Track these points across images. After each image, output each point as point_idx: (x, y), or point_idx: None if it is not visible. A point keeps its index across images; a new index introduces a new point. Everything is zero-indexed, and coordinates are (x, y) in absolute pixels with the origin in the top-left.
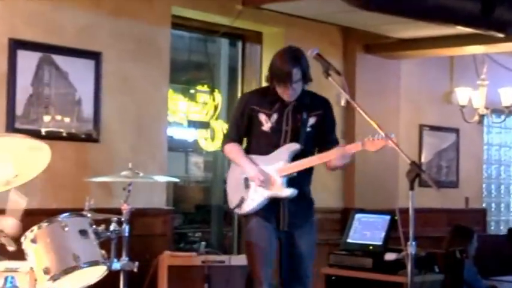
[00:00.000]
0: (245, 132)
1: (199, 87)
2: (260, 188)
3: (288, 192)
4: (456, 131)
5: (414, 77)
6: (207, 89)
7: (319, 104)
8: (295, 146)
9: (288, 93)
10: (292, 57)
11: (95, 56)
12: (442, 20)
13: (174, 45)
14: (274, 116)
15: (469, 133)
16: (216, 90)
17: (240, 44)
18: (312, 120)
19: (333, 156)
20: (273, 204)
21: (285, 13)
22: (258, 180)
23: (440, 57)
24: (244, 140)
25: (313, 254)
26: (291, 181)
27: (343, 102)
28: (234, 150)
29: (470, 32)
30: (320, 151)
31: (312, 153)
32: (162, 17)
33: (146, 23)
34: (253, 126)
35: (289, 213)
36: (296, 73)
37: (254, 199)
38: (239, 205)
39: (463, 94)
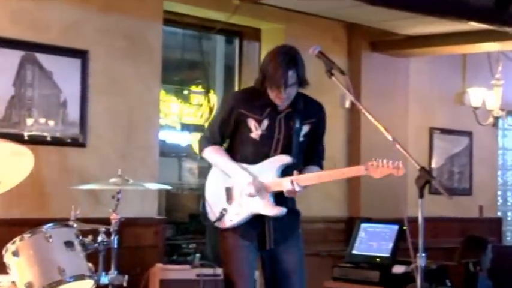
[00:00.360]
0: (229, 136)
1: (193, 88)
2: (245, 202)
3: (278, 211)
4: (469, 134)
5: (424, 77)
6: (202, 90)
7: (313, 111)
8: (287, 159)
9: (281, 98)
10: (287, 58)
11: (81, 54)
12: (453, 15)
13: (167, 42)
14: (265, 123)
15: (482, 136)
16: (212, 91)
17: (237, 41)
18: (305, 129)
19: (347, 175)
20: (255, 220)
21: (285, 8)
22: (252, 189)
23: (452, 55)
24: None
25: (302, 270)
26: (277, 195)
27: (347, 104)
28: (219, 154)
29: (484, 28)
30: (305, 163)
31: (298, 166)
32: (153, 13)
33: (136, 19)
34: (240, 132)
35: (274, 229)
36: (291, 76)
37: (238, 213)
38: (220, 218)
39: (476, 95)
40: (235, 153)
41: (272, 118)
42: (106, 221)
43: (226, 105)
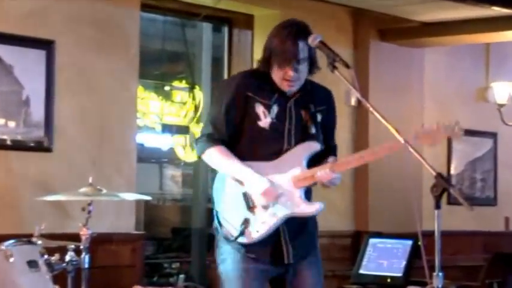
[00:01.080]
0: (235, 129)
1: (175, 83)
2: (272, 205)
3: (315, 208)
4: (493, 135)
5: (441, 70)
6: (186, 86)
7: (323, 97)
8: (315, 146)
9: (290, 77)
10: (295, 28)
11: (46, 45)
12: None
13: (145, 31)
14: (274, 109)
15: (509, 138)
16: (197, 87)
17: (226, 30)
18: (318, 117)
19: (394, 149)
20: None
21: None
22: (271, 196)
23: (473, 44)
24: None
25: None
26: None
27: (353, 101)
28: (224, 156)
29: (509, 13)
30: (316, 162)
31: (324, 155)
32: None
33: (110, 4)
34: (245, 121)
35: (292, 242)
36: (302, 49)
37: (265, 221)
38: (243, 232)
39: (501, 90)
40: (240, 147)
41: (281, 105)
42: (75, 237)
43: (229, 88)
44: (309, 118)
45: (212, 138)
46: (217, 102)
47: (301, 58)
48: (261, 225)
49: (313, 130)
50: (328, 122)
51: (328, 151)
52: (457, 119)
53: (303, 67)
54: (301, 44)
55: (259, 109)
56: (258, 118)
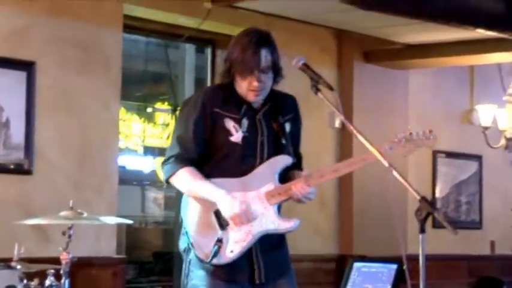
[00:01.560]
0: (203, 147)
1: (158, 105)
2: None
3: (291, 224)
4: (478, 158)
5: (425, 92)
6: (168, 107)
7: (290, 105)
8: (286, 160)
9: (254, 87)
10: (256, 36)
11: (26, 66)
12: (458, 21)
13: (127, 52)
14: (245, 123)
15: (493, 161)
16: (180, 109)
17: (209, 51)
18: (287, 127)
19: (368, 160)
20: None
21: (265, 13)
22: (244, 218)
23: (458, 67)
24: None
25: None
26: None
27: (337, 123)
28: (194, 177)
29: (493, 36)
30: (284, 173)
31: (295, 168)
32: (111, 18)
33: (91, 25)
34: (215, 138)
35: (263, 261)
36: (266, 56)
37: (239, 240)
38: (216, 252)
39: (486, 113)
40: (212, 165)
41: (250, 118)
42: (56, 261)
43: (195, 106)
44: (279, 129)
45: (181, 158)
46: (184, 120)
47: (264, 66)
48: (235, 244)
49: (283, 141)
50: (296, 131)
51: (294, 162)
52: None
53: (267, 76)
54: (263, 52)
55: (229, 124)
56: (229, 133)
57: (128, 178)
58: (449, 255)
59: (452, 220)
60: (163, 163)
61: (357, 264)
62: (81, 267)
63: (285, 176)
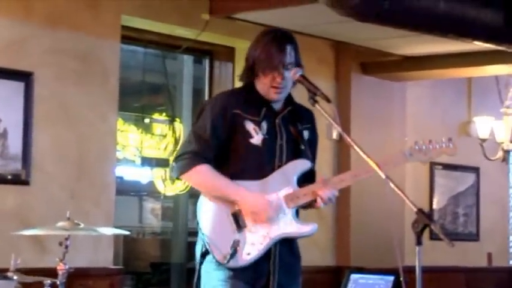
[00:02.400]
0: (221, 149)
1: (155, 116)
2: (263, 225)
3: (309, 227)
4: (475, 170)
5: (423, 104)
6: (166, 118)
7: (308, 117)
8: (306, 164)
9: (278, 84)
10: (279, 34)
11: (24, 77)
12: (456, 33)
13: (125, 63)
14: (264, 125)
15: (491, 173)
16: (177, 120)
17: (207, 62)
18: (306, 135)
19: (389, 165)
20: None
21: (262, 24)
22: (269, 212)
23: (456, 79)
24: None
25: None
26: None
27: (335, 135)
28: (211, 174)
29: (491, 48)
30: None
31: (314, 174)
32: (109, 29)
33: (89, 35)
34: (235, 140)
35: (280, 268)
36: (290, 52)
37: (256, 243)
38: (233, 254)
39: (483, 125)
40: (231, 167)
41: (270, 121)
42: (52, 272)
43: (214, 107)
44: (298, 135)
45: (198, 155)
46: (203, 120)
47: (289, 62)
48: (252, 247)
49: (302, 146)
50: (313, 141)
51: (309, 174)
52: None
53: (289, 74)
54: (288, 48)
55: (250, 126)
56: (249, 135)
57: (125, 189)
58: (446, 267)
59: (449, 232)
60: (177, 158)
61: (354, 276)
62: (78, 278)
63: (301, 183)
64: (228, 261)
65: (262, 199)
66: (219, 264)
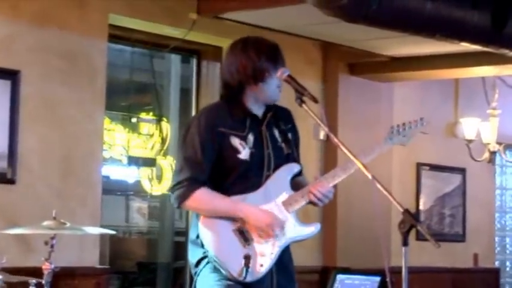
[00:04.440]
0: (212, 167)
1: (142, 115)
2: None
3: (313, 228)
4: (462, 171)
5: (410, 105)
6: (153, 117)
7: (287, 117)
8: (295, 167)
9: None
10: (266, 41)
11: (10, 75)
12: (443, 34)
13: (112, 62)
14: (250, 138)
15: (477, 174)
16: (164, 119)
17: (194, 61)
18: (290, 136)
19: (375, 155)
20: None
21: (251, 24)
22: (277, 226)
23: (442, 80)
24: None
25: None
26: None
27: (322, 136)
28: (211, 197)
29: (478, 49)
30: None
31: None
32: (96, 27)
33: (77, 34)
34: (222, 158)
35: (278, 272)
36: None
37: (267, 253)
38: (247, 269)
39: (470, 126)
40: (220, 186)
41: (255, 131)
42: (38, 272)
43: (199, 127)
44: (283, 138)
45: (194, 181)
46: (190, 142)
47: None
48: (263, 258)
49: (289, 150)
50: (296, 140)
51: (298, 174)
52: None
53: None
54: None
55: (236, 142)
56: (237, 151)
57: (111, 188)
58: (433, 268)
59: (435, 233)
60: (174, 188)
61: (340, 276)
62: (63, 277)
63: (292, 185)
64: (245, 277)
65: (267, 214)
66: (214, 267)
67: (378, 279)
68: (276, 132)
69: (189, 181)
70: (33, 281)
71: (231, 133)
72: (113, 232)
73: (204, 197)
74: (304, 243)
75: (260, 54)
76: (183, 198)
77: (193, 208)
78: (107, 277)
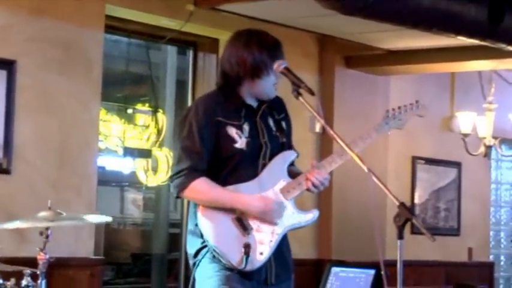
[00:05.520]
0: (211, 156)
1: (138, 106)
2: (265, 224)
3: (311, 215)
4: (457, 165)
5: (406, 98)
6: (149, 109)
7: (280, 106)
8: (292, 154)
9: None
10: (264, 33)
11: (7, 65)
12: (440, 28)
13: (108, 53)
14: (246, 128)
15: (473, 168)
16: (160, 110)
17: (190, 53)
18: (283, 125)
19: (372, 139)
20: None
21: (247, 16)
22: (279, 212)
23: (439, 74)
24: None
25: None
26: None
27: (317, 128)
28: (209, 187)
29: (474, 43)
30: None
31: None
32: (93, 18)
33: (73, 25)
34: (221, 146)
35: (276, 262)
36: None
37: (265, 242)
38: (248, 258)
39: (466, 120)
40: (217, 176)
41: (251, 121)
42: (32, 262)
43: (196, 116)
44: (277, 127)
45: (193, 170)
46: (188, 131)
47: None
48: (263, 246)
49: (284, 139)
50: (289, 129)
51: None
52: (421, 147)
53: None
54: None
55: (232, 131)
56: (233, 141)
57: (107, 179)
58: (427, 262)
59: (430, 227)
60: (173, 177)
61: (334, 269)
62: (58, 267)
63: (289, 173)
64: (246, 266)
65: (266, 200)
66: (213, 257)
67: (372, 272)
68: (271, 122)
69: (188, 170)
70: (28, 271)
71: (227, 122)
72: (109, 219)
73: (202, 188)
74: (299, 236)
75: (262, 50)
76: (182, 187)
77: (192, 198)
78: (102, 268)
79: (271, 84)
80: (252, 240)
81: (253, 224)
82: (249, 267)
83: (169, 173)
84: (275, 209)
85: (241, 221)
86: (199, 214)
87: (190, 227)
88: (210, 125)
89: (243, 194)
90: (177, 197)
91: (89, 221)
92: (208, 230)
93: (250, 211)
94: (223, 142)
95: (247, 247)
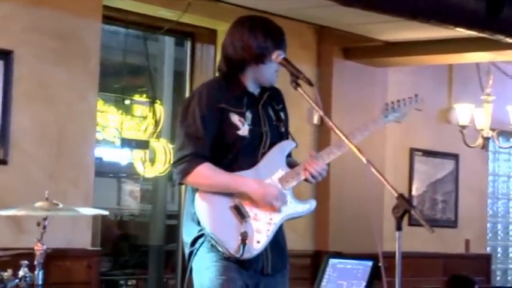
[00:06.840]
0: (214, 142)
1: (136, 97)
2: (265, 212)
3: (309, 205)
4: (455, 157)
5: (404, 90)
6: (146, 100)
7: (279, 96)
8: (291, 144)
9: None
10: (266, 20)
11: (4, 55)
12: (438, 20)
13: (106, 43)
14: (248, 115)
15: (470, 160)
16: (158, 101)
17: (188, 44)
18: (282, 116)
19: (371, 130)
20: None
21: (245, 7)
22: (281, 198)
23: (437, 65)
24: None
25: None
26: None
27: (315, 119)
28: (213, 172)
29: (472, 35)
30: None
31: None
32: (91, 8)
33: (71, 15)
34: (222, 134)
35: (273, 252)
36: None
37: (263, 230)
38: (245, 246)
39: (463, 112)
40: (220, 162)
41: (253, 109)
42: (29, 253)
43: (200, 102)
44: (276, 117)
45: (197, 156)
46: (191, 118)
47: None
48: (260, 234)
49: (283, 129)
50: (286, 121)
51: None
52: (419, 138)
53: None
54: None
55: (235, 118)
56: (236, 128)
57: (104, 170)
58: (425, 253)
59: (427, 218)
60: (176, 163)
61: (332, 261)
62: (55, 258)
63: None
64: (242, 254)
65: (271, 187)
66: (211, 246)
67: (370, 263)
68: (271, 111)
69: (191, 156)
70: (25, 262)
71: (230, 109)
72: (106, 212)
73: (206, 172)
74: (297, 227)
75: (267, 36)
76: (185, 173)
77: (195, 183)
78: (98, 259)
79: (273, 71)
80: (249, 229)
81: (251, 212)
82: (246, 256)
83: (172, 160)
84: (280, 196)
85: (239, 209)
86: (196, 201)
87: (187, 214)
88: (213, 112)
89: (248, 178)
90: (180, 184)
91: (85, 213)
92: (205, 218)
93: (255, 195)
94: (227, 129)
95: (244, 235)
